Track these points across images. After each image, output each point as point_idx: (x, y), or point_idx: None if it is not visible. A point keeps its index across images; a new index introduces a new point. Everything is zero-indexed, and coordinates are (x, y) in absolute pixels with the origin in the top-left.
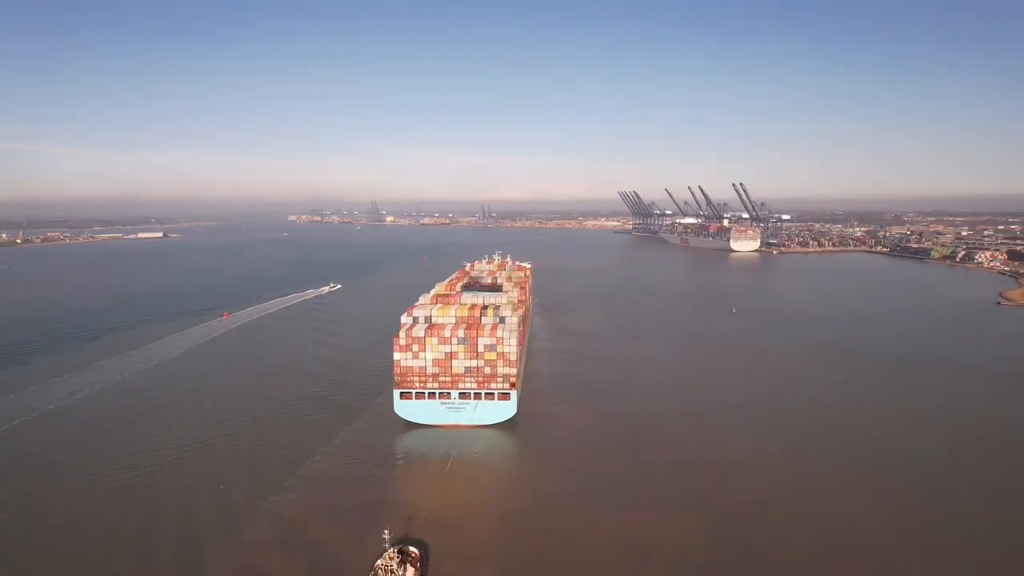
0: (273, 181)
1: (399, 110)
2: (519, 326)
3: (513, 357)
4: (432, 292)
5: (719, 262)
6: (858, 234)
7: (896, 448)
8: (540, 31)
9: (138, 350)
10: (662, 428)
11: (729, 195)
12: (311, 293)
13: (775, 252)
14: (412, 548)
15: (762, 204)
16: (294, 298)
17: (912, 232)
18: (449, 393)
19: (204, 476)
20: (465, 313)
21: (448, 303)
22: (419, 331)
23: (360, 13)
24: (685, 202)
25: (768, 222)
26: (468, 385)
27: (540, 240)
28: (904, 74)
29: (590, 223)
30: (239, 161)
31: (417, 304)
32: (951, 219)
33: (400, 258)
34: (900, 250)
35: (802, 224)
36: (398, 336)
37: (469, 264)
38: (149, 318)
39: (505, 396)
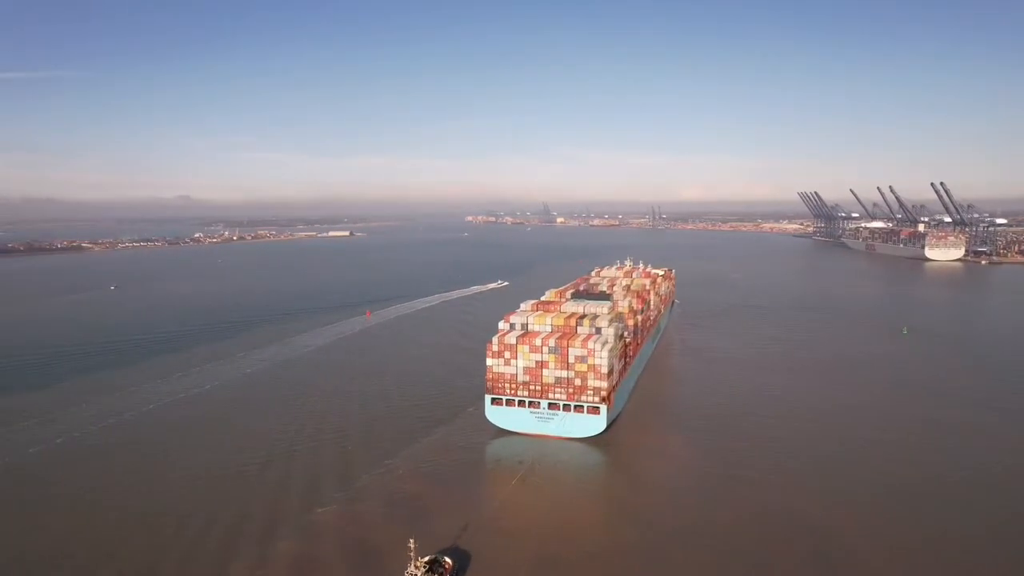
0: (452, 181)
1: (575, 110)
2: (616, 338)
3: (605, 370)
4: (543, 298)
5: (909, 273)
6: None
7: None
8: (725, 30)
9: (273, 345)
10: (762, 485)
11: (926, 196)
12: (475, 289)
13: (984, 262)
14: (447, 558)
15: (969, 206)
16: (455, 294)
17: None
18: (538, 402)
19: (281, 475)
20: (561, 322)
21: (548, 311)
22: (511, 338)
23: (539, 14)
24: (874, 204)
25: (976, 226)
26: (558, 396)
27: (708, 244)
28: None
29: (768, 226)
30: (426, 163)
31: (517, 311)
32: None
33: (559, 259)
34: None
35: None
36: (491, 342)
37: (597, 269)
38: (302, 311)
39: (595, 410)
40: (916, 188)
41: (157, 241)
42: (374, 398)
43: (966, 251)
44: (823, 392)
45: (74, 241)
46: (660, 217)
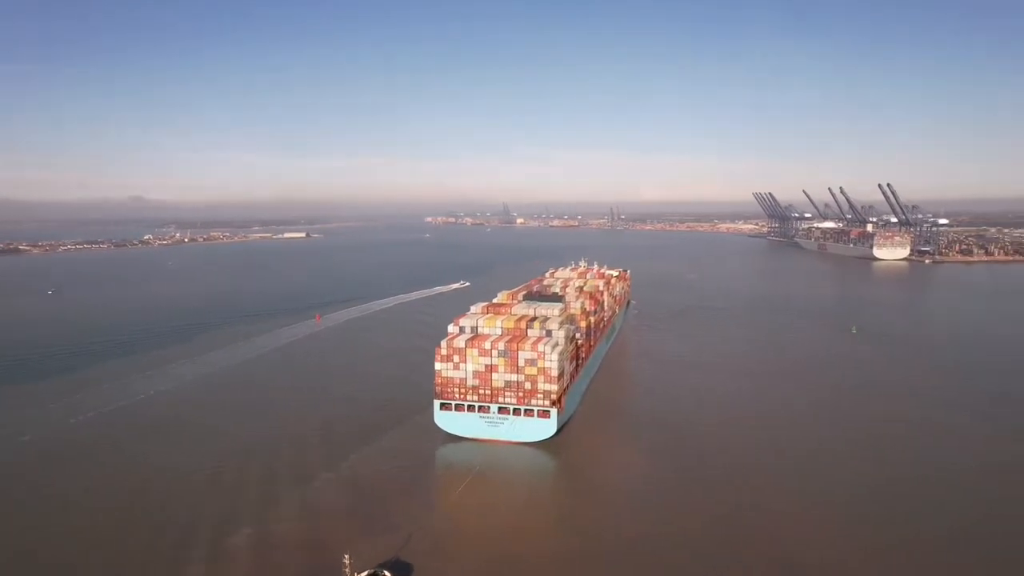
0: (415, 182)
1: (537, 112)
2: (567, 340)
3: (555, 373)
4: (494, 300)
5: (858, 272)
6: None
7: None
8: (673, 28)
9: (209, 354)
10: (719, 488)
11: (876, 198)
12: (438, 289)
13: (927, 261)
14: (387, 572)
15: (914, 207)
16: (415, 295)
17: None
18: (488, 407)
19: (205, 493)
20: (511, 325)
21: (498, 313)
22: (460, 342)
23: (498, 14)
24: (826, 204)
25: (920, 226)
26: (508, 400)
27: (665, 244)
28: None
29: (724, 226)
30: (388, 163)
31: (467, 313)
32: None
33: (520, 259)
34: None
35: (972, 228)
36: (440, 346)
37: (551, 270)
38: (246, 316)
39: (545, 414)
40: (868, 190)
41: (103, 243)
42: (315, 408)
43: (911, 250)
44: (778, 393)
45: (11, 243)
46: (619, 218)
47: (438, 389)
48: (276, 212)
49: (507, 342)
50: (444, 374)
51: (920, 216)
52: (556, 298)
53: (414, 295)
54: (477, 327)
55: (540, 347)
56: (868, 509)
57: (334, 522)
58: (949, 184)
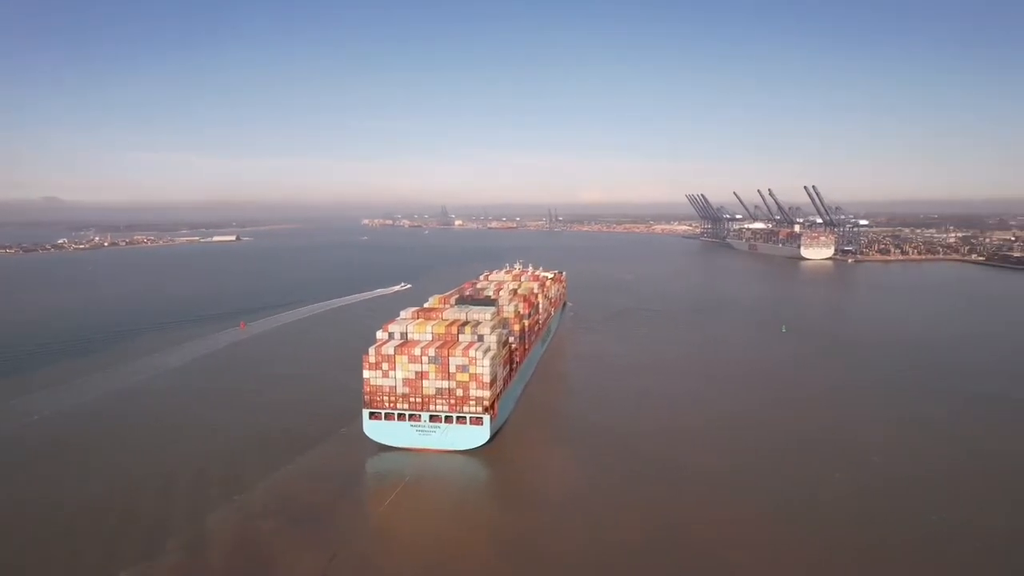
0: (352, 182)
1: (475, 113)
2: (500, 345)
3: (487, 379)
4: (425, 305)
5: (787, 271)
6: (951, 240)
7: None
8: (617, 32)
9: (115, 367)
10: (650, 494)
11: (803, 199)
12: (379, 292)
13: (850, 260)
14: None
15: (837, 208)
16: (356, 298)
17: (1017, 238)
18: (419, 415)
19: (112, 520)
20: (442, 330)
21: (428, 318)
22: (389, 348)
23: (432, 18)
24: (756, 206)
25: (843, 227)
26: (439, 407)
27: (603, 245)
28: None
29: (659, 227)
30: (324, 165)
31: (396, 319)
32: None
33: (459, 261)
34: (999, 259)
35: (889, 229)
36: (368, 353)
37: (485, 273)
38: (163, 324)
39: (478, 421)
40: (797, 191)
41: (10, 248)
42: (235, 422)
43: (835, 250)
44: (716, 395)
45: None
46: (557, 219)
47: (367, 398)
48: (205, 214)
49: (438, 348)
50: (373, 382)
51: (843, 217)
52: (489, 302)
53: (355, 298)
54: (407, 333)
55: (472, 352)
56: (819, 513)
57: (256, 543)
58: (870, 184)
